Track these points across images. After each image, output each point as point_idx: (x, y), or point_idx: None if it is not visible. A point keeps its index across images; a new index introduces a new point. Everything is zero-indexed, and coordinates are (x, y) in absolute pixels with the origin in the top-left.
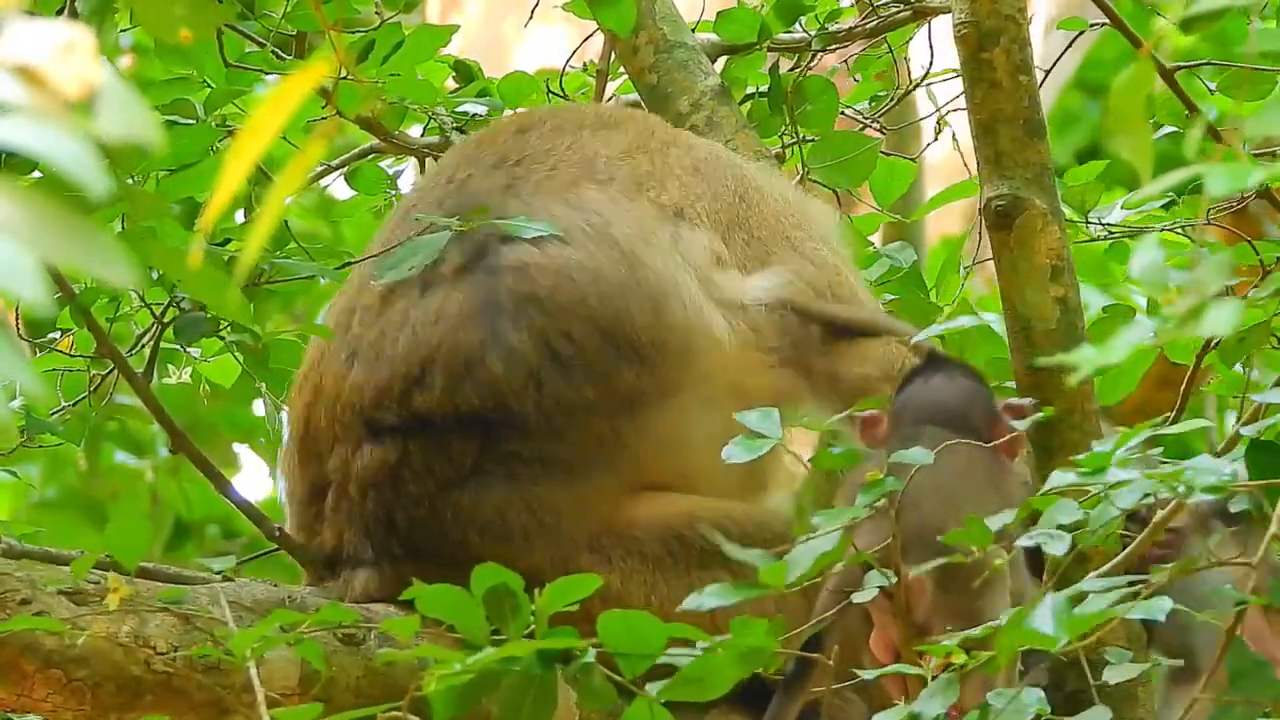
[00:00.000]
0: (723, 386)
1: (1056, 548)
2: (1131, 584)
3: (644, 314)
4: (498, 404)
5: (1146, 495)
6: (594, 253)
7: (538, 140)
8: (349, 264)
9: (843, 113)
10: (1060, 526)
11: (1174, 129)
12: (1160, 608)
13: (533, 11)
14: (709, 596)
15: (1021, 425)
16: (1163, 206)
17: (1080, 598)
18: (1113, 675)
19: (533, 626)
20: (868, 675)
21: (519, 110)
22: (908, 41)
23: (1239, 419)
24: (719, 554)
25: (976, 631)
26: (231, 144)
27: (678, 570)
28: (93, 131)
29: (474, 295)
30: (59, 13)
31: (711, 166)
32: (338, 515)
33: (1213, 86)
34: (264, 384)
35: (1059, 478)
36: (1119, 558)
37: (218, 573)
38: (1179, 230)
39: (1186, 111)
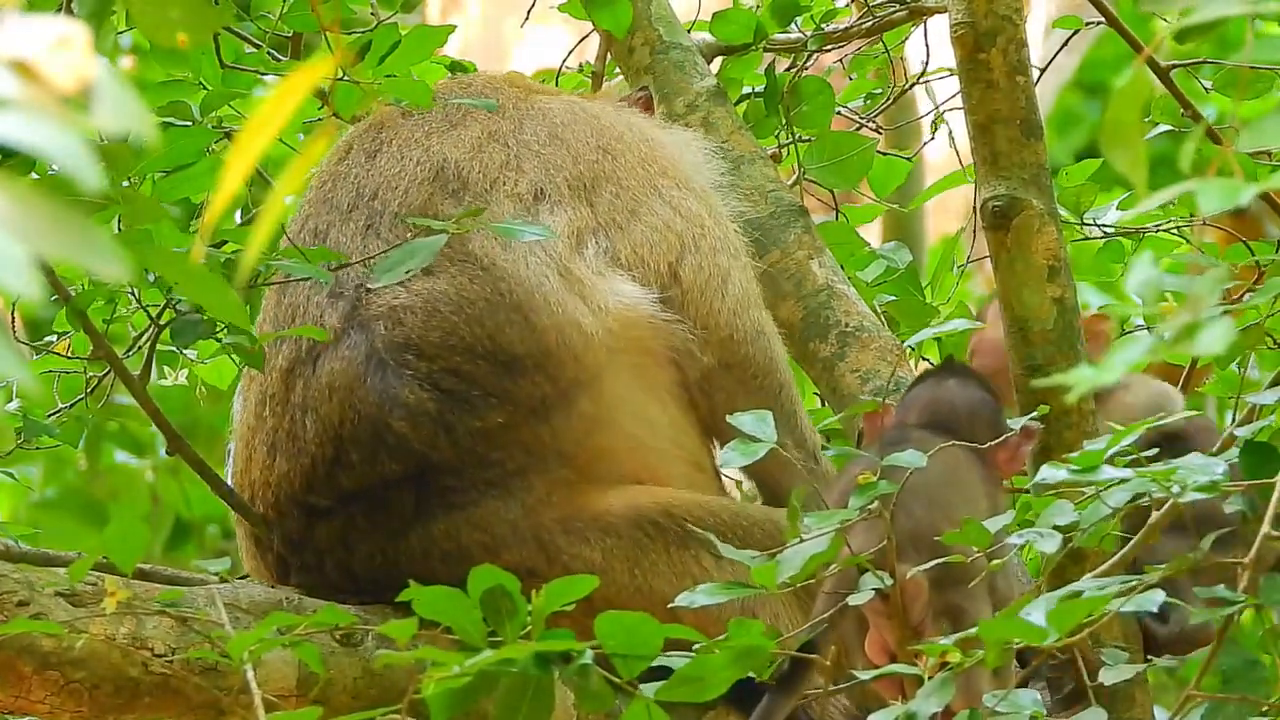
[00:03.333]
0: (618, 366)
1: (1047, 545)
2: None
3: (515, 327)
4: (417, 461)
5: (1140, 494)
6: (455, 276)
7: (387, 163)
8: (344, 265)
9: (839, 112)
10: (1055, 527)
11: (1170, 128)
12: (1153, 600)
13: (529, 12)
14: (701, 594)
15: (1027, 449)
16: (1159, 206)
17: (1074, 597)
18: (1108, 676)
19: (529, 627)
20: (864, 676)
21: (368, 123)
22: (904, 41)
23: (1234, 419)
24: (696, 535)
25: (972, 631)
26: (230, 146)
27: (656, 548)
28: (87, 126)
29: (355, 357)
30: (56, 13)
31: (569, 129)
32: (304, 576)
33: (1209, 85)
34: None
35: (1049, 473)
36: (1115, 558)
37: (214, 574)
38: (1175, 231)
39: (1182, 110)
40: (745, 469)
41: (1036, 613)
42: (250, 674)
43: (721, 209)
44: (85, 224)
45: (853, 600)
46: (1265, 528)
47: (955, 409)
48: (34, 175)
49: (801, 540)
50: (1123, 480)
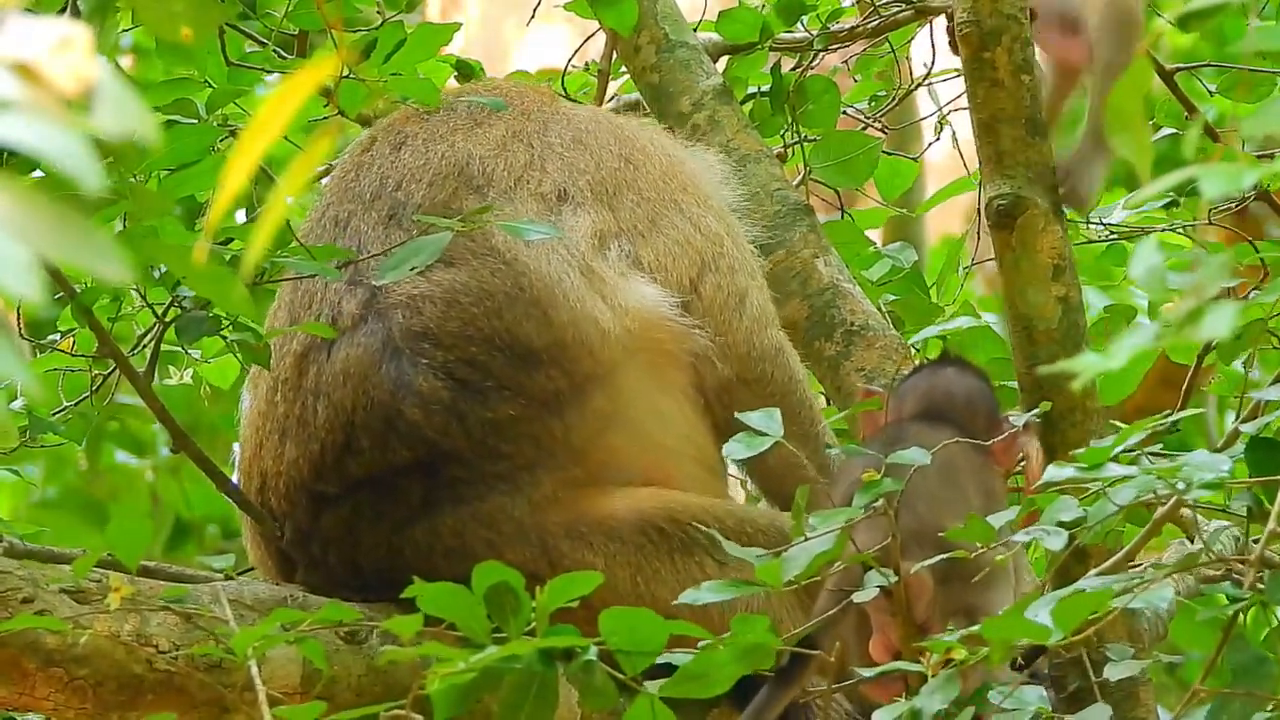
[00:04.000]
0: (634, 365)
1: (1053, 542)
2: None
3: (532, 320)
4: (428, 449)
5: (1145, 491)
6: (477, 269)
7: (411, 156)
8: (349, 262)
9: (844, 112)
10: (1060, 524)
11: (1173, 130)
12: (1161, 596)
13: (534, 11)
14: (706, 592)
15: (1024, 441)
16: (1163, 207)
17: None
18: (1114, 672)
19: (533, 624)
20: (867, 674)
21: (393, 118)
22: (909, 41)
23: (1239, 417)
24: (700, 542)
25: (976, 629)
26: (235, 143)
27: (659, 555)
28: (89, 127)
29: (371, 344)
30: (60, 12)
31: (593, 135)
32: (310, 573)
33: (1212, 88)
34: None
35: (1056, 472)
36: (1119, 555)
37: (219, 571)
38: (1179, 231)
39: (1185, 113)
40: (762, 487)
41: (1041, 611)
42: (255, 670)
43: (740, 230)
44: (87, 225)
45: (857, 598)
46: (1271, 524)
47: (953, 397)
48: (36, 174)
49: (806, 539)
50: (1128, 478)
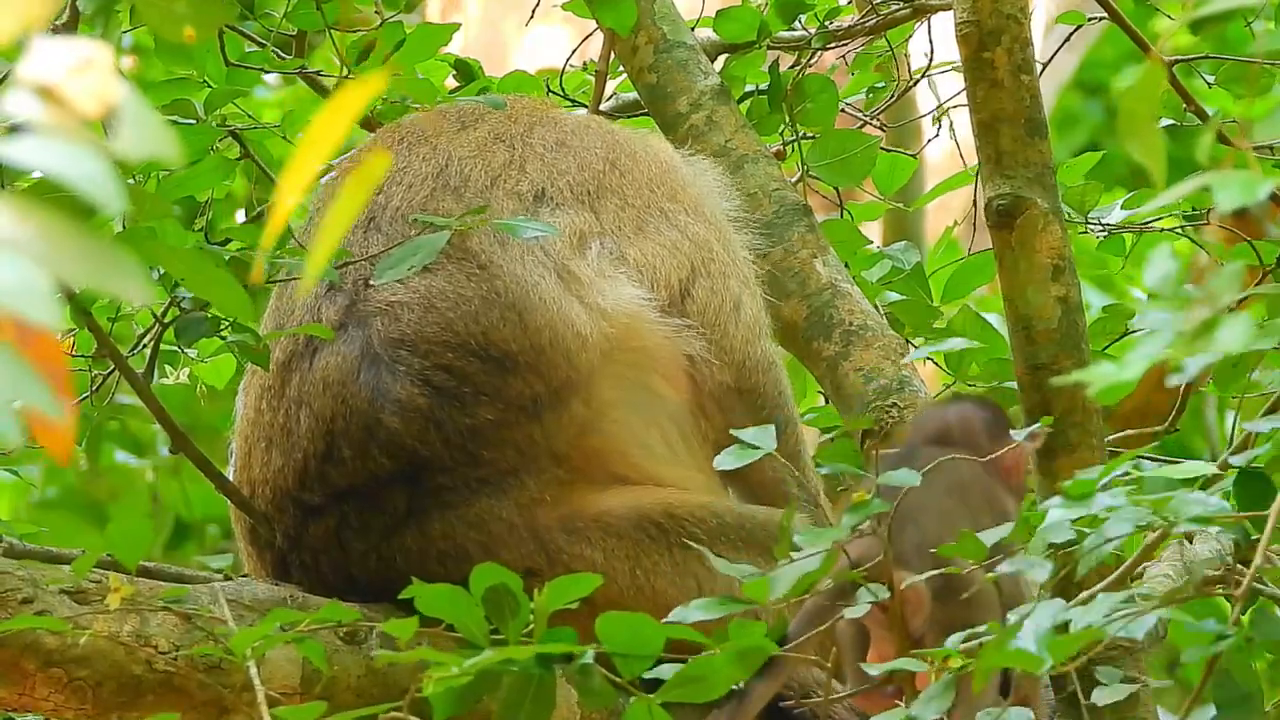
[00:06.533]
0: (617, 370)
1: (1039, 574)
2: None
3: (508, 324)
4: (408, 457)
5: (1141, 525)
6: (453, 274)
7: (395, 160)
8: (348, 263)
9: (842, 109)
10: (1052, 546)
11: (1173, 123)
12: (1144, 625)
13: (534, 11)
14: (694, 610)
15: (1024, 445)
16: (1163, 205)
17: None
18: (1101, 696)
19: (531, 625)
20: (862, 687)
21: (384, 128)
22: (907, 39)
23: (1236, 418)
24: (699, 537)
25: (968, 645)
26: (234, 145)
27: (657, 549)
28: (110, 149)
29: (351, 351)
30: (60, 14)
31: (579, 138)
32: (304, 574)
33: (1212, 80)
34: None
35: (1058, 515)
36: (1112, 577)
37: (218, 571)
38: (1180, 231)
39: (1185, 105)
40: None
41: (1028, 638)
42: (254, 671)
43: (733, 238)
44: (105, 245)
45: (849, 614)
46: (1258, 559)
47: (948, 423)
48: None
49: (792, 560)
50: (1116, 508)
